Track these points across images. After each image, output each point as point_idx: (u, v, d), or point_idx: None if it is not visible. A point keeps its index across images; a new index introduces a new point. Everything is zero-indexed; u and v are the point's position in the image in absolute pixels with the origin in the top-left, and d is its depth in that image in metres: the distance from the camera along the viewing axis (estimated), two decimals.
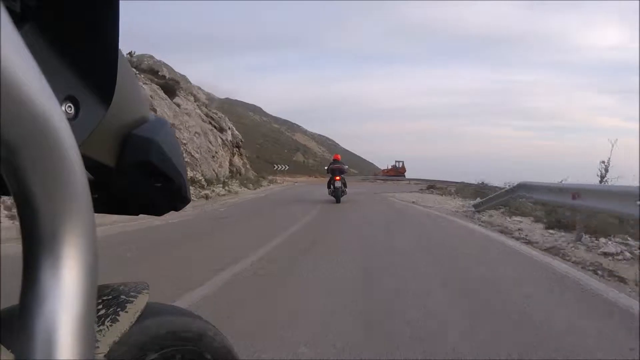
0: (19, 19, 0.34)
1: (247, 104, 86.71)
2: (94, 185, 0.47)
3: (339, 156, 12.28)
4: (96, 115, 0.41)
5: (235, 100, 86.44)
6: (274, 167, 20.60)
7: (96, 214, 0.30)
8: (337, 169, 11.25)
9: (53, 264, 0.25)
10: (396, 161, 43.38)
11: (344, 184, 11.40)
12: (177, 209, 0.62)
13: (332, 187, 11.02)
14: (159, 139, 0.52)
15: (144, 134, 0.51)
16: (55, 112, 0.24)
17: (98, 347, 0.46)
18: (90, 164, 0.45)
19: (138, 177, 0.52)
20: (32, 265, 0.25)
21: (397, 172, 41.03)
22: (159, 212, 0.60)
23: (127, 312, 0.53)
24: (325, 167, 12.36)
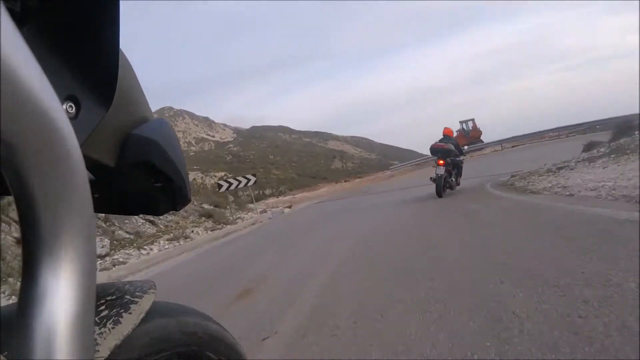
0: (20, 19, 0.34)
1: (275, 127, 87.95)
2: (94, 185, 0.47)
3: (450, 130, 8.55)
4: (97, 115, 0.41)
5: (263, 126, 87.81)
6: (219, 187, 13.35)
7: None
8: (439, 150, 7.58)
9: (53, 264, 0.25)
10: (462, 122, 27.83)
11: (457, 171, 8.08)
12: (177, 209, 0.62)
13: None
14: (159, 138, 0.52)
15: (144, 134, 0.51)
16: (56, 112, 0.24)
17: (98, 350, 0.44)
18: (90, 163, 0.45)
19: (138, 177, 0.52)
20: (32, 265, 0.25)
21: (468, 138, 26.31)
22: (159, 212, 0.60)
23: (130, 313, 0.50)
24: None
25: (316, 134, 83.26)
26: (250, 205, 15.47)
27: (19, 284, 0.26)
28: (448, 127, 8.52)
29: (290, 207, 15.54)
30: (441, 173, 7.24)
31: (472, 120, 28.21)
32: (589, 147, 9.15)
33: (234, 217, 12.60)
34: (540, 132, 25.03)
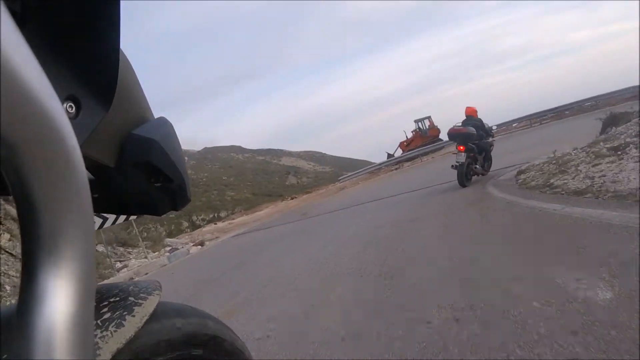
0: (20, 19, 0.34)
1: (227, 147, 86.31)
2: (94, 185, 0.47)
3: (474, 109, 7.19)
4: (97, 115, 0.41)
5: (214, 147, 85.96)
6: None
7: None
8: (457, 135, 6.67)
9: (52, 264, 0.25)
10: (417, 121, 24.48)
11: (485, 155, 6.96)
12: (177, 209, 0.62)
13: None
14: (159, 138, 0.52)
15: (144, 134, 0.51)
16: (56, 112, 0.24)
17: (99, 354, 0.43)
18: (90, 163, 0.46)
19: (138, 177, 0.52)
20: (32, 265, 0.25)
21: (426, 138, 23.40)
22: (159, 212, 0.60)
23: (134, 316, 0.49)
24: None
25: (269, 151, 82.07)
26: (169, 240, 12.07)
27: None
28: (471, 105, 7.26)
29: (201, 243, 11.23)
30: (462, 161, 6.34)
31: (429, 118, 24.67)
32: (611, 122, 6.54)
33: (132, 261, 9.44)
34: (506, 122, 21.69)
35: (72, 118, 0.38)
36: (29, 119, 0.22)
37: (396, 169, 20.47)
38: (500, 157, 7.96)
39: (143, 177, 0.52)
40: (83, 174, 0.27)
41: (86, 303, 0.26)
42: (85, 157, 0.29)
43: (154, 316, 0.52)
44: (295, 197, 22.05)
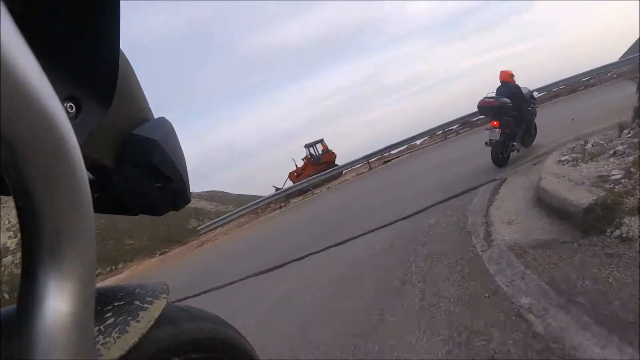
0: (21, 19, 0.34)
1: None
2: (94, 185, 0.47)
3: (509, 73, 5.97)
4: (97, 115, 0.41)
5: None
6: None
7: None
8: (487, 108, 5.62)
9: (53, 264, 0.25)
10: (307, 146, 20.14)
11: (526, 128, 5.86)
12: (177, 209, 0.61)
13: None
14: (159, 139, 0.52)
15: (144, 134, 0.51)
16: (56, 111, 0.24)
17: None
18: (90, 163, 0.45)
19: (138, 177, 0.52)
20: (32, 265, 0.25)
21: (320, 165, 19.17)
22: (159, 212, 0.60)
23: (138, 321, 0.47)
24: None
25: None
26: None
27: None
28: (506, 69, 6.01)
29: None
30: (496, 138, 5.29)
31: (321, 141, 20.40)
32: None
33: None
34: (410, 138, 17.17)
35: (72, 118, 0.38)
36: (29, 119, 0.22)
37: (279, 207, 14.87)
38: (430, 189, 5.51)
39: (143, 177, 0.52)
40: (83, 174, 0.27)
41: (86, 303, 0.26)
42: (86, 157, 0.28)
43: (158, 320, 0.50)
44: (167, 252, 15.12)
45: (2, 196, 0.48)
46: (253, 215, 15.67)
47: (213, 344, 0.58)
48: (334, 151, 20.29)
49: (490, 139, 5.38)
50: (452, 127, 16.55)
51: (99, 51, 0.40)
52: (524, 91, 5.92)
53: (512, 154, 5.67)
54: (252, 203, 16.52)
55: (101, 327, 0.44)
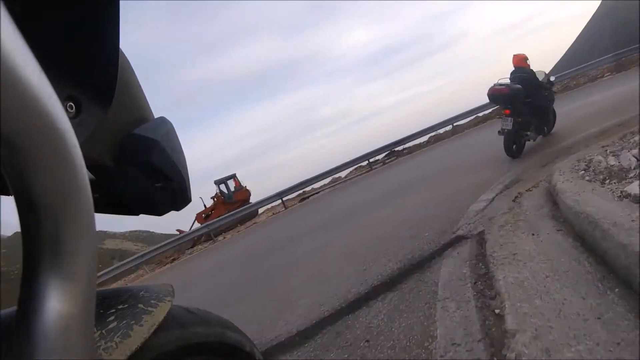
0: (21, 19, 0.34)
1: None
2: (94, 185, 0.46)
3: (522, 56, 5.47)
4: (97, 115, 0.41)
5: None
6: None
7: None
8: (498, 96, 5.16)
9: (53, 264, 0.25)
10: (217, 183, 17.43)
11: (542, 116, 5.38)
12: (177, 209, 0.61)
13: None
14: (159, 138, 0.52)
15: (144, 134, 0.51)
16: (56, 111, 0.24)
17: None
18: (90, 163, 0.45)
19: (139, 176, 0.52)
20: (32, 265, 0.25)
21: (232, 204, 16.32)
22: (159, 211, 0.60)
23: (142, 325, 0.46)
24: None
25: None
26: None
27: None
28: (519, 53, 5.49)
29: None
30: (508, 127, 4.90)
31: (234, 177, 17.78)
32: None
33: None
34: (334, 169, 13.57)
35: (72, 118, 0.38)
36: (29, 119, 0.22)
37: (172, 260, 11.34)
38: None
39: (144, 177, 0.52)
40: (84, 174, 0.27)
41: (87, 304, 0.26)
42: (86, 157, 0.28)
43: (166, 323, 0.49)
44: None
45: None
46: (156, 265, 11.87)
47: (221, 349, 0.58)
48: (247, 187, 17.71)
49: (502, 128, 4.98)
50: (378, 157, 13.74)
51: (99, 51, 0.40)
52: (540, 76, 5.44)
53: (527, 143, 5.22)
54: (137, 255, 11.86)
55: (103, 331, 0.43)
